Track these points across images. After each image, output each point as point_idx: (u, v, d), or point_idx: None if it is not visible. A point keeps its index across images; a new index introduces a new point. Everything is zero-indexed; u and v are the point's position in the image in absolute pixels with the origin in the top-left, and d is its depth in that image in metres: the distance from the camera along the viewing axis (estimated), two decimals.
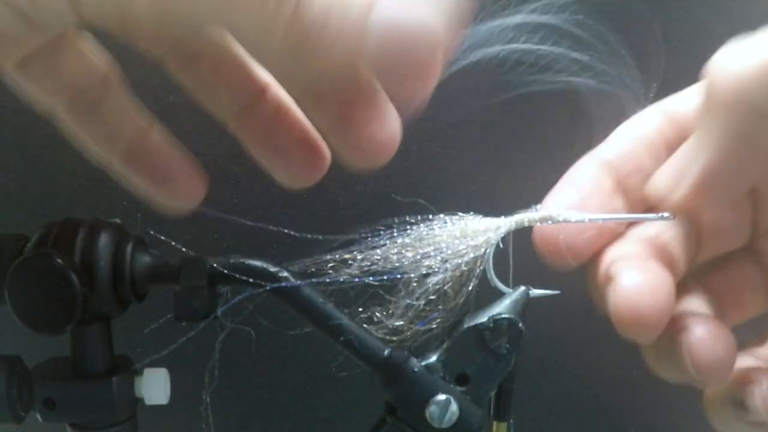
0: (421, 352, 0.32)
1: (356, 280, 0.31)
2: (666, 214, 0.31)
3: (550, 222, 0.32)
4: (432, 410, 0.30)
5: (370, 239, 0.32)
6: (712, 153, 0.28)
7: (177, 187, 0.34)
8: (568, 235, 0.32)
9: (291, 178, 0.32)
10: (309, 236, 0.33)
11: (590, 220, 0.31)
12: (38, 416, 0.31)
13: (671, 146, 0.32)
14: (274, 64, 0.24)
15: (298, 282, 0.31)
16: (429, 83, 0.25)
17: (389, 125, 0.29)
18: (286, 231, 0.34)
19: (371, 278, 0.31)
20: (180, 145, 0.34)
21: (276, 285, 0.31)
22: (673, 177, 0.30)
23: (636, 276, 0.30)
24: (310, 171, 0.32)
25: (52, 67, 0.31)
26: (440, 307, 0.32)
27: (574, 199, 0.32)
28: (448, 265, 0.31)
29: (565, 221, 0.31)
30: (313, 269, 0.32)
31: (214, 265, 0.31)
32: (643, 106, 0.35)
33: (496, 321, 0.31)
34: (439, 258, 0.31)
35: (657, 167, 0.32)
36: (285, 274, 0.31)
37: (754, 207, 0.34)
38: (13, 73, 0.31)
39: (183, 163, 0.34)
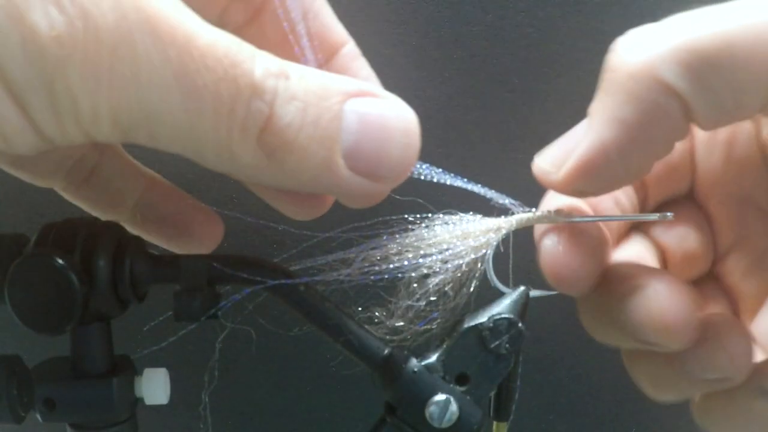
0: (421, 352, 0.32)
1: (360, 278, 0.31)
2: (668, 214, 0.31)
3: (549, 222, 0.32)
4: (432, 410, 0.30)
5: (370, 239, 0.32)
6: (595, 135, 0.26)
7: (193, 235, 0.34)
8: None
9: (295, 215, 0.32)
10: (308, 232, 0.33)
11: (590, 221, 0.31)
12: (38, 416, 0.31)
13: None
14: (246, 175, 0.24)
15: (298, 280, 0.31)
16: (405, 173, 0.25)
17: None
18: (286, 231, 0.34)
19: (373, 276, 0.31)
20: (188, 195, 0.34)
21: (276, 282, 0.31)
22: (558, 156, 0.28)
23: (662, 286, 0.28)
24: (313, 209, 0.32)
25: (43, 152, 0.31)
26: (440, 307, 0.32)
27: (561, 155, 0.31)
28: (448, 265, 0.31)
29: (564, 222, 0.31)
30: (312, 268, 0.32)
31: (214, 264, 0.31)
32: None
33: (496, 321, 0.31)
34: (439, 258, 0.31)
35: None
36: (285, 273, 0.31)
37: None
38: (5, 166, 0.31)
39: (194, 211, 0.34)
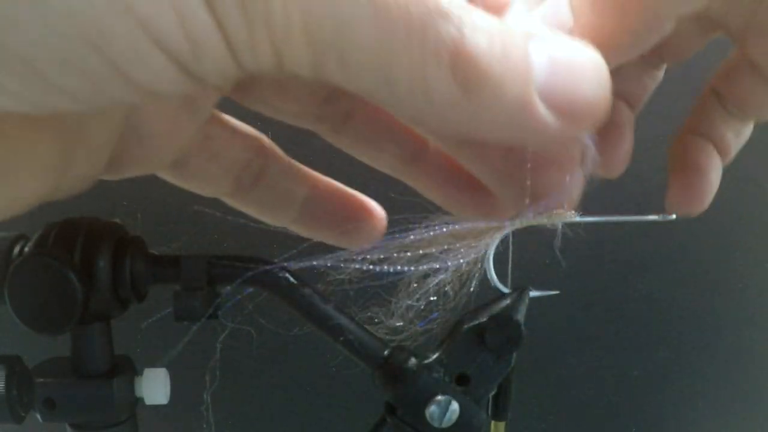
0: (421, 352, 0.32)
1: (364, 274, 0.31)
2: (666, 214, 0.31)
3: (550, 222, 0.32)
4: (432, 410, 0.30)
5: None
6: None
7: (359, 228, 0.34)
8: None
9: (474, 213, 0.31)
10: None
11: (590, 221, 0.31)
12: (38, 416, 0.31)
13: None
14: (440, 116, 0.22)
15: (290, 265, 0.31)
16: (601, 116, 0.23)
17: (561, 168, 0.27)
18: (287, 231, 0.34)
19: (375, 269, 0.31)
20: (350, 189, 0.34)
21: (272, 266, 0.31)
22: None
23: None
24: (492, 207, 0.31)
25: (209, 157, 0.31)
26: (440, 307, 0.32)
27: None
28: (448, 265, 0.31)
29: (565, 222, 0.31)
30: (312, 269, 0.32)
31: (214, 263, 0.31)
32: None
33: (496, 321, 0.31)
34: (439, 258, 0.31)
35: None
36: (285, 273, 0.31)
37: None
38: (169, 175, 0.31)
39: (357, 204, 0.34)
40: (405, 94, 0.21)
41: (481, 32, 0.21)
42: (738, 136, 0.32)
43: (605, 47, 0.25)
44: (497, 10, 0.28)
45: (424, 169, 0.31)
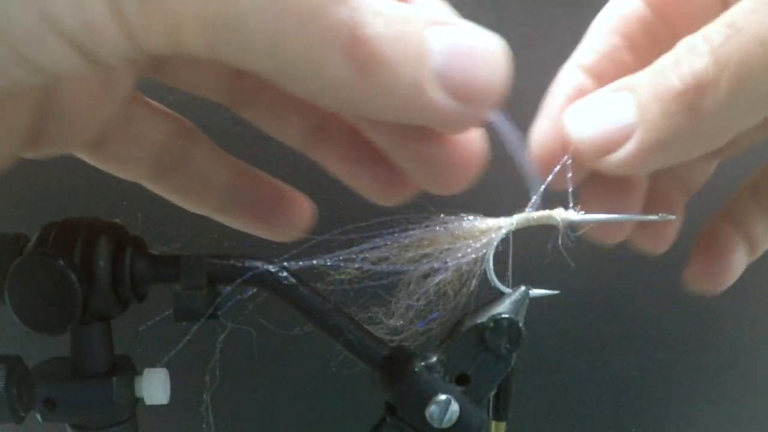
0: (421, 352, 0.32)
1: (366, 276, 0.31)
2: (666, 214, 0.31)
3: (550, 222, 0.32)
4: (432, 410, 0.30)
5: (369, 239, 0.32)
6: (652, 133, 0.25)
7: (283, 220, 0.34)
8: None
9: (379, 193, 0.31)
10: (308, 233, 0.33)
11: (591, 221, 0.31)
12: (38, 416, 0.31)
13: (652, 38, 0.30)
14: (336, 97, 0.22)
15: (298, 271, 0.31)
16: (496, 94, 0.24)
17: (469, 145, 0.27)
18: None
19: (374, 267, 0.31)
20: (276, 180, 0.34)
21: (272, 266, 0.31)
22: (599, 142, 0.27)
23: None
24: (397, 185, 0.31)
25: (128, 138, 0.31)
26: (440, 307, 0.32)
27: (553, 115, 0.30)
28: (448, 265, 0.31)
29: (566, 222, 0.31)
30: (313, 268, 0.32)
31: (214, 263, 0.31)
32: None
33: (496, 321, 0.31)
34: (439, 258, 0.31)
35: (638, 63, 0.29)
36: (285, 273, 0.31)
37: None
38: (89, 155, 0.31)
39: (282, 195, 0.34)
40: (301, 76, 0.21)
41: (378, 16, 0.21)
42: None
43: (670, 149, 0.26)
44: None
45: (328, 143, 0.31)
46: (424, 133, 0.27)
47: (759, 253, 0.34)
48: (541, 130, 0.30)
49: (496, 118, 0.26)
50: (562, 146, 0.29)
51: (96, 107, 0.29)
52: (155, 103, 0.32)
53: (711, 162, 0.34)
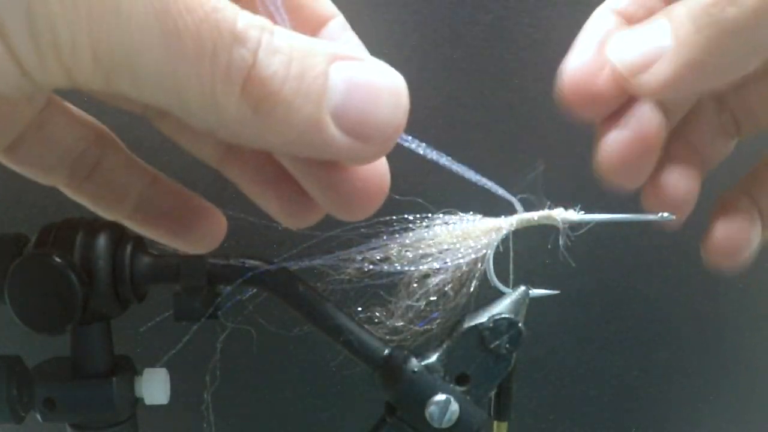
0: (421, 352, 0.32)
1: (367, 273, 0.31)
2: (666, 214, 0.31)
3: (550, 223, 0.32)
4: (432, 410, 0.30)
5: (369, 239, 0.32)
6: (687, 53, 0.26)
7: (195, 232, 0.33)
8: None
9: (287, 215, 0.31)
10: (308, 232, 0.33)
11: (591, 221, 0.31)
12: (38, 416, 0.31)
13: None
14: (233, 133, 0.23)
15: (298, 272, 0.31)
16: (393, 139, 0.24)
17: (373, 174, 0.28)
18: (286, 231, 0.34)
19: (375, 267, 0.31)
20: (190, 192, 0.34)
21: (272, 266, 0.31)
22: (638, 60, 0.28)
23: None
24: (305, 208, 0.31)
25: (42, 143, 0.31)
26: (440, 307, 0.32)
27: (589, 57, 0.30)
28: (448, 265, 0.31)
29: (566, 223, 0.31)
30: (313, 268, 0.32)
31: (214, 263, 0.31)
32: None
33: (496, 321, 0.31)
34: (439, 258, 0.31)
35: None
36: (285, 273, 0.31)
37: None
38: (4, 159, 0.31)
39: (196, 208, 0.34)
40: (197, 112, 0.22)
41: (277, 55, 0.22)
42: None
43: (703, 67, 0.26)
44: (315, 27, 0.29)
45: (240, 162, 0.31)
46: (329, 162, 0.27)
47: (710, 165, 0.34)
48: (576, 62, 0.30)
49: (407, 142, 0.27)
50: (598, 76, 0.29)
51: (11, 113, 0.29)
52: (72, 108, 0.32)
53: (729, 140, 0.34)
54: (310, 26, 0.29)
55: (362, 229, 0.32)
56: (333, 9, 0.30)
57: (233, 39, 0.21)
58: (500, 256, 0.32)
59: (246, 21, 0.22)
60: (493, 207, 0.32)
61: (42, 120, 0.30)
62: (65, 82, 0.21)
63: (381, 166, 0.28)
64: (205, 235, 0.34)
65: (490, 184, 0.31)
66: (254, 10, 0.23)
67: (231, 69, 0.21)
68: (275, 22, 0.24)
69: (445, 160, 0.29)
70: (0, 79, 0.20)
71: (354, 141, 0.23)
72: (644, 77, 0.28)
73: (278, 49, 0.22)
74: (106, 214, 0.33)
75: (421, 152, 0.28)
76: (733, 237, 0.33)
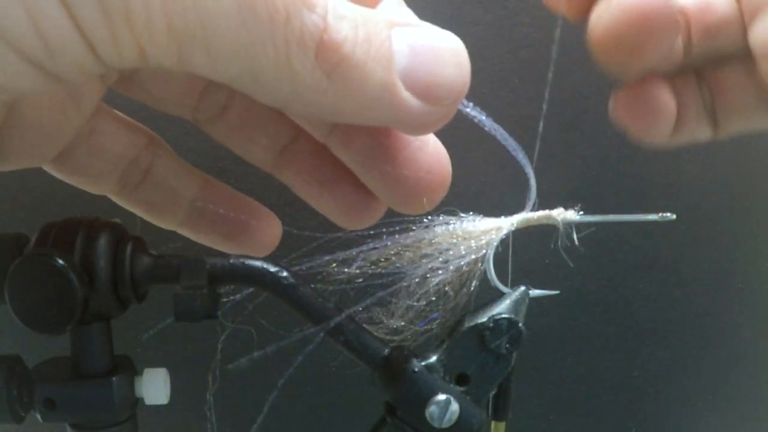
0: (421, 352, 0.32)
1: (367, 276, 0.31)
2: (666, 214, 0.31)
3: (550, 222, 0.32)
4: (432, 410, 0.30)
5: (370, 239, 0.32)
6: None
7: (250, 236, 0.33)
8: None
9: (346, 215, 0.31)
10: (309, 233, 0.33)
11: (591, 221, 0.31)
12: (38, 416, 0.31)
13: None
14: (306, 102, 0.23)
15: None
16: (460, 99, 0.24)
17: (436, 164, 0.28)
18: (288, 232, 0.34)
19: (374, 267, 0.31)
20: (243, 195, 0.33)
21: (272, 266, 0.31)
22: None
23: None
24: (363, 206, 0.31)
25: (92, 151, 0.31)
26: (440, 307, 0.32)
27: None
28: (448, 266, 0.31)
29: (565, 222, 0.31)
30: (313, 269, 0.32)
31: (214, 263, 0.31)
32: None
33: (496, 321, 0.31)
34: (439, 258, 0.31)
35: None
36: (285, 273, 0.31)
37: None
38: (53, 168, 0.30)
39: (250, 211, 0.34)
40: (271, 83, 0.21)
41: (345, 20, 0.22)
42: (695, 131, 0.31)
43: None
44: (370, 4, 0.28)
45: (295, 164, 0.31)
46: (392, 150, 0.27)
47: (684, 126, 0.31)
48: None
49: (468, 109, 0.27)
50: None
51: (61, 121, 0.28)
52: (121, 115, 0.32)
53: (707, 125, 0.32)
54: (366, 3, 0.29)
55: (363, 230, 0.32)
56: None
57: (304, 4, 0.21)
58: (500, 256, 0.32)
59: None
60: (493, 208, 0.32)
61: (91, 128, 0.30)
62: (135, 59, 0.20)
63: (443, 157, 0.29)
64: (261, 238, 0.33)
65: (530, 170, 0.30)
66: None
67: (305, 34, 0.21)
68: None
69: (499, 134, 0.29)
70: (63, 57, 0.19)
71: (424, 104, 0.23)
72: None
73: (344, 14, 0.22)
74: (160, 222, 0.33)
75: (484, 120, 0.28)
76: (641, 104, 0.30)
